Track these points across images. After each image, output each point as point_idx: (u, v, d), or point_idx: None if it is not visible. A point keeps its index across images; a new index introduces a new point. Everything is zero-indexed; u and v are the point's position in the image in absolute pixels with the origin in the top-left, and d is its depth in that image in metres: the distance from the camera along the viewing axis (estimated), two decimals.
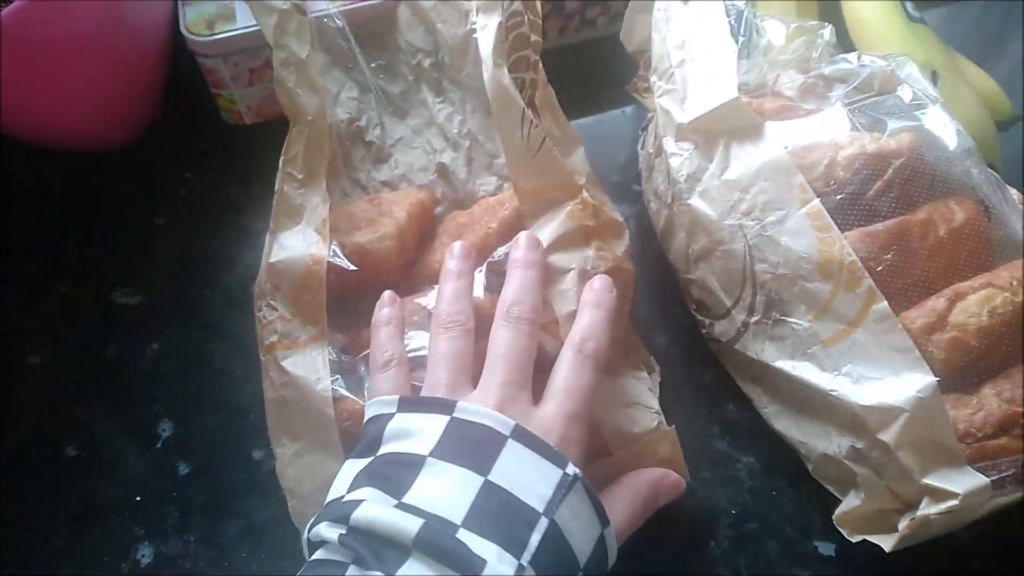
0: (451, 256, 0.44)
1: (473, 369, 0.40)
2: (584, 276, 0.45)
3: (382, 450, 0.36)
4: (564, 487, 0.34)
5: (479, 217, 0.50)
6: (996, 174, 0.46)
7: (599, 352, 0.40)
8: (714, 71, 0.48)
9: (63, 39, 0.51)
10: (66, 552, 0.45)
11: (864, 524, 0.42)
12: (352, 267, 0.46)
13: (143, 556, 0.45)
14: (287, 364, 0.43)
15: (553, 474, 0.34)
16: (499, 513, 0.33)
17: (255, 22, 0.50)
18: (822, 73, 0.50)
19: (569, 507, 0.34)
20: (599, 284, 0.43)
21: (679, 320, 0.54)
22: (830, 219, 0.42)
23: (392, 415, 0.37)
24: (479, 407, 0.36)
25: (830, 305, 0.41)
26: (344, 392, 0.44)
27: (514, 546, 0.32)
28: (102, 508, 0.47)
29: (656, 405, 0.45)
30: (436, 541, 0.31)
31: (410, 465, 0.34)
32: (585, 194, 0.47)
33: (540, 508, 0.33)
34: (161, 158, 0.63)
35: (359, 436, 0.39)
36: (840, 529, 0.42)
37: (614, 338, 0.41)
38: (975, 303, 0.41)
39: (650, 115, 0.56)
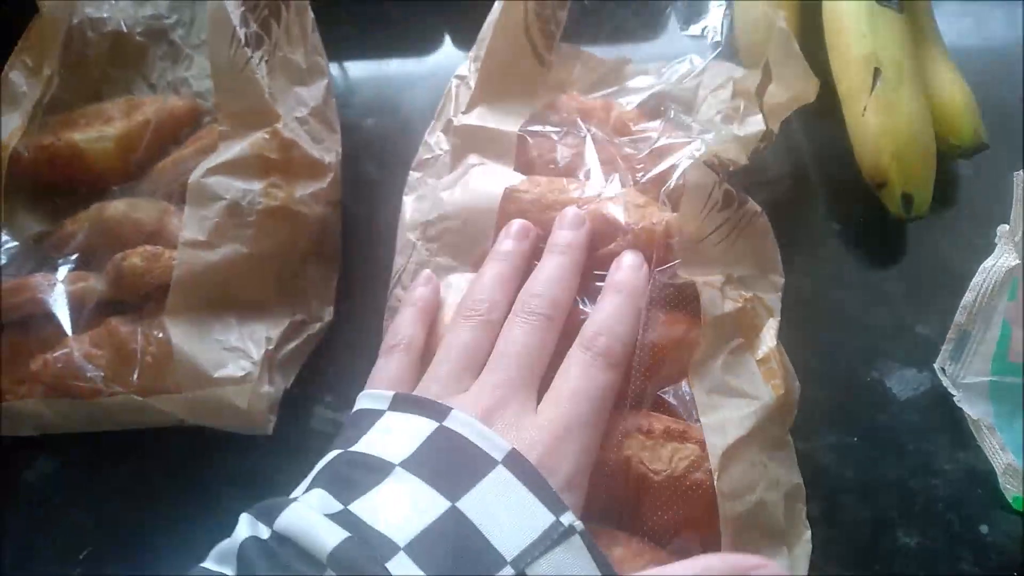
0: (506, 234, 0.39)
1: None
2: (234, 210, 0.44)
3: (356, 446, 0.31)
4: (551, 538, 0.27)
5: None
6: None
7: (611, 348, 0.34)
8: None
9: None
10: None
11: None
12: None
13: None
14: None
15: (541, 520, 0.28)
16: (454, 549, 0.27)
17: None
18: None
19: (553, 563, 0.27)
20: (627, 261, 0.37)
21: None
22: None
23: (382, 413, 0.33)
24: (469, 417, 0.31)
25: None
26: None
27: None
28: None
29: None
30: (353, 560, 0.26)
31: (375, 470, 0.29)
32: (280, 124, 0.46)
33: (508, 556, 0.27)
34: None
35: (344, 425, 0.35)
36: None
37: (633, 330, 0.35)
38: None
39: None
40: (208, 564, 0.29)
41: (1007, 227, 0.40)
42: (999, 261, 0.40)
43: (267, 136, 0.46)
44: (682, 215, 0.38)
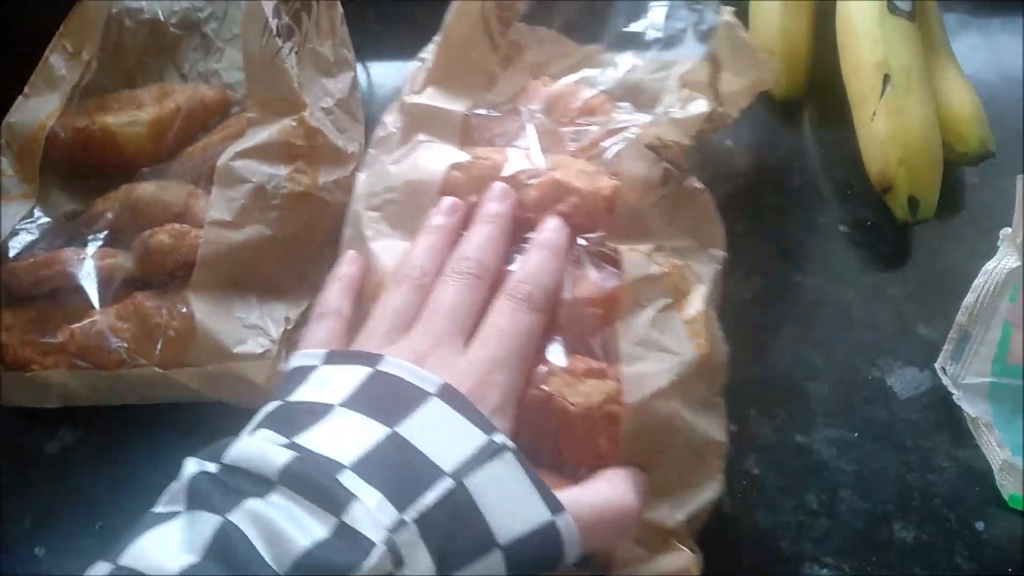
0: (437, 210, 0.41)
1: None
2: (259, 192, 0.46)
3: (293, 396, 0.33)
4: (486, 453, 0.30)
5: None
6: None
7: (534, 294, 0.37)
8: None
9: None
10: None
11: None
12: None
13: None
14: None
15: (475, 439, 0.30)
16: (396, 465, 0.29)
17: None
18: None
19: (490, 475, 0.30)
20: (550, 224, 0.39)
21: None
22: None
23: (315, 367, 0.34)
24: (402, 360, 0.33)
25: None
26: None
27: (401, 499, 0.28)
28: None
29: None
30: (306, 473, 0.27)
31: (316, 412, 0.31)
32: (306, 113, 0.48)
33: (447, 469, 0.29)
34: None
35: (279, 383, 0.36)
36: None
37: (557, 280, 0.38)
38: None
39: None
40: (158, 509, 0.29)
41: (1009, 230, 0.41)
42: (1001, 263, 0.41)
43: (294, 124, 0.47)
44: (624, 187, 0.40)
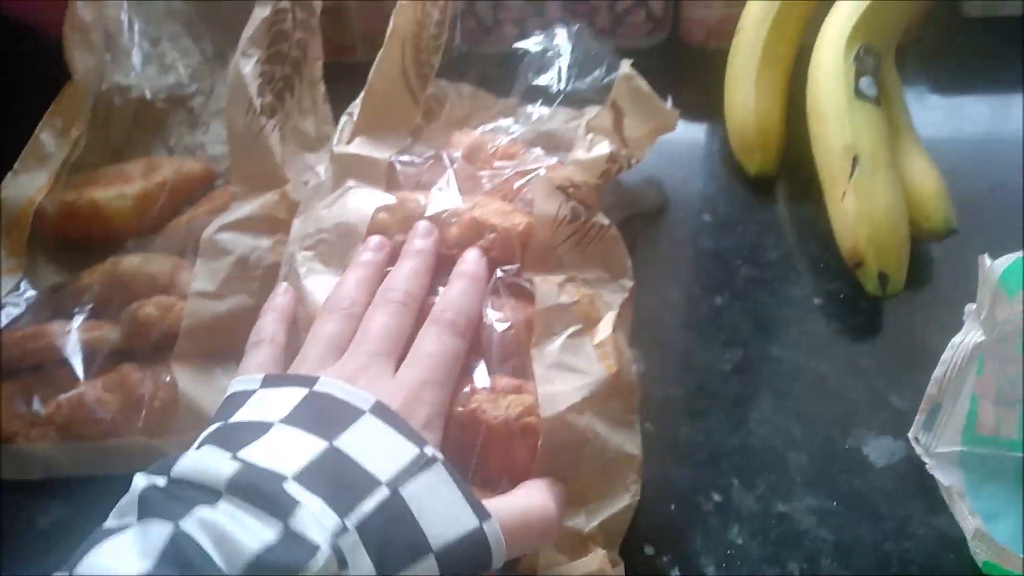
0: (365, 248, 0.44)
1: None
2: (242, 264, 0.47)
3: (234, 418, 0.34)
4: (418, 464, 0.32)
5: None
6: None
7: (456, 320, 0.39)
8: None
9: None
10: None
11: None
12: None
13: None
14: None
15: (408, 451, 0.33)
16: (336, 475, 0.31)
17: None
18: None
19: (423, 485, 0.32)
20: (470, 255, 0.43)
21: None
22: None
23: (253, 391, 0.36)
24: (336, 380, 0.35)
25: None
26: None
27: (342, 507, 0.29)
28: None
29: None
30: (252, 483, 0.29)
31: (257, 429, 0.33)
32: (288, 187, 0.49)
33: (383, 479, 0.31)
34: None
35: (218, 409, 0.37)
36: None
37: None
38: None
39: None
40: (108, 524, 0.30)
41: (974, 306, 0.43)
42: (967, 338, 0.43)
43: (276, 198, 0.49)
44: (537, 224, 0.43)
